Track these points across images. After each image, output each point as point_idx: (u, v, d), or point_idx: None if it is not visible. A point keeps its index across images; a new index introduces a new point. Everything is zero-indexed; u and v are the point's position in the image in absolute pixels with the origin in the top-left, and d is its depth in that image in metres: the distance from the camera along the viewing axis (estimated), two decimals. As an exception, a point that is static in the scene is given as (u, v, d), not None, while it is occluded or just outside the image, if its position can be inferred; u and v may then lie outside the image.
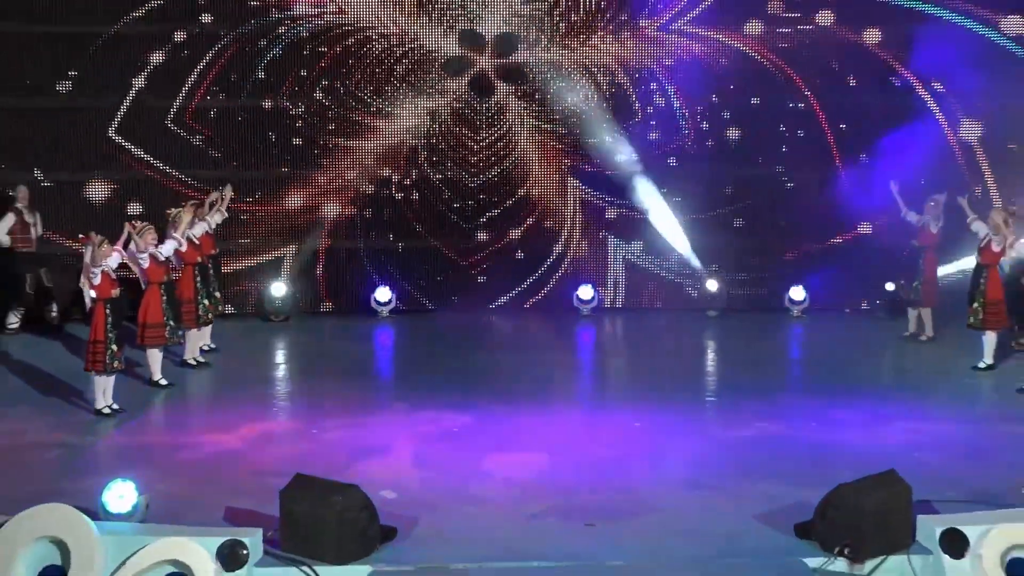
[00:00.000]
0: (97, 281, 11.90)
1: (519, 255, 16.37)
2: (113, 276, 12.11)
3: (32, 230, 14.88)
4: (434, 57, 16.13)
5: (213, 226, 14.39)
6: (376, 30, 16.03)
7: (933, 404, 12.55)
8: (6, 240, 14.75)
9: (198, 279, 13.73)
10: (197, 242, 13.80)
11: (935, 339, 14.75)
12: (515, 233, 16.39)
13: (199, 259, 13.78)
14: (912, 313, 14.74)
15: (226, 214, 14.74)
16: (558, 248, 16.55)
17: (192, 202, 14.14)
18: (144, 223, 13.08)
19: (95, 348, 11.92)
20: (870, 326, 15.60)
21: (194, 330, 13.83)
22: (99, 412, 12.12)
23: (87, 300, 12.06)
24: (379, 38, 16.06)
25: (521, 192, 16.37)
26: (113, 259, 12.08)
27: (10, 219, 14.81)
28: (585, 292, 16.40)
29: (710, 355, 14.86)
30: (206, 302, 13.83)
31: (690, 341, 15.17)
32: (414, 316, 16.05)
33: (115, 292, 12.09)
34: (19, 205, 14.89)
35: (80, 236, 12.53)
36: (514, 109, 16.31)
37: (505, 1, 16.10)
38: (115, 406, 12.18)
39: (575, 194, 16.49)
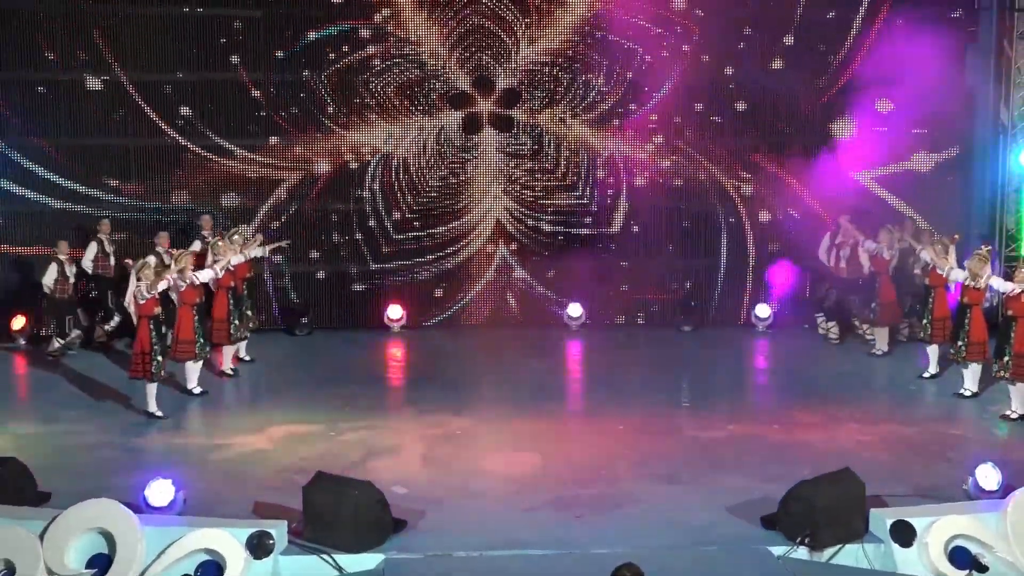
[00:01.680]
0: (142, 301, 11.98)
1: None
2: (156, 297, 12.14)
3: (111, 258, 14.85)
4: (440, 87, 15.92)
5: (251, 256, 14.27)
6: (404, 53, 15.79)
7: (883, 408, 12.52)
8: (89, 266, 14.81)
9: (231, 301, 13.60)
10: (232, 268, 13.70)
11: (889, 354, 14.63)
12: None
13: (232, 283, 13.64)
14: (880, 332, 14.60)
15: (267, 254, 14.60)
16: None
17: (238, 236, 13.92)
18: (181, 251, 13.06)
19: (143, 359, 11.91)
20: (826, 340, 15.50)
21: (227, 345, 13.74)
22: (151, 415, 12.10)
23: (133, 318, 12.16)
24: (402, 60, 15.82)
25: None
26: (161, 285, 12.13)
27: (92, 248, 14.84)
28: (574, 309, 16.19)
29: (685, 366, 14.71)
30: (237, 322, 13.70)
31: (665, 353, 15.06)
32: (424, 330, 15.88)
33: (157, 310, 12.11)
34: (101, 236, 14.89)
35: (126, 261, 12.51)
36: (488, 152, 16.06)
37: (526, 61, 15.90)
38: (159, 412, 12.16)
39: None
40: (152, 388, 12.09)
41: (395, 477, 10.18)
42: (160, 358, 12.01)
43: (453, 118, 15.94)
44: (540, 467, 10.70)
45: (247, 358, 14.29)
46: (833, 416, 12.14)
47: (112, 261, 14.80)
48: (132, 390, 12.56)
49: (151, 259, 12.71)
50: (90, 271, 14.88)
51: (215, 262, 13.36)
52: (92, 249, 14.85)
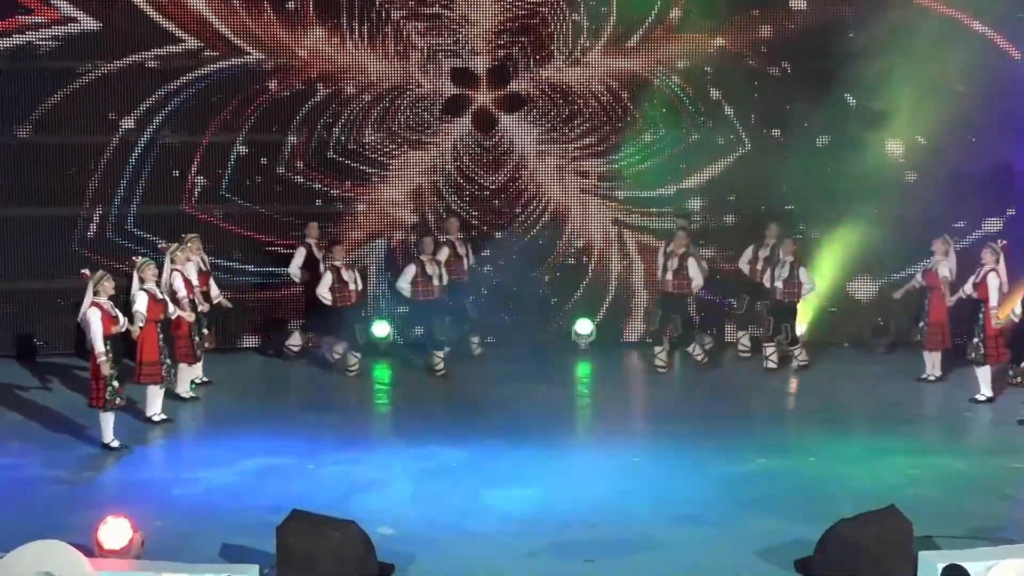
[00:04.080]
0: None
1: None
2: (113, 314, 12.11)
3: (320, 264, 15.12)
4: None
5: (208, 265, 14.37)
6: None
7: (933, 438, 12.55)
8: (296, 274, 15.24)
9: (201, 308, 13.75)
10: (193, 279, 13.77)
11: (943, 378, 14.53)
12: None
13: (192, 296, 13.68)
14: (927, 355, 14.61)
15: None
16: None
17: (192, 242, 14.09)
18: (144, 259, 13.03)
19: (97, 385, 11.94)
20: (868, 360, 15.55)
21: (190, 364, 13.79)
22: (106, 446, 12.12)
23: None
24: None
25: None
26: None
27: (299, 254, 15.30)
28: (583, 327, 16.21)
29: (707, 388, 14.73)
30: (197, 338, 13.73)
31: (685, 374, 15.10)
32: (409, 349, 15.90)
33: (114, 330, 12.08)
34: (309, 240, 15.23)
35: (83, 272, 12.42)
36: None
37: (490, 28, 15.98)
38: (116, 443, 12.18)
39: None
40: (108, 417, 12.11)
41: (381, 516, 10.18)
42: (116, 383, 12.00)
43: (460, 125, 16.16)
44: (544, 504, 10.70)
45: (204, 379, 14.32)
46: (876, 447, 12.16)
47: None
48: (88, 418, 12.58)
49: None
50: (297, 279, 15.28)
51: (173, 272, 13.42)
52: (299, 255, 15.21)
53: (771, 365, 14.94)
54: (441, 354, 14.89)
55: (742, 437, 12.57)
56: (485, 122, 16.17)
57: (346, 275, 14.67)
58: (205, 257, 14.46)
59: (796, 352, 15.01)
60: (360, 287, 14.91)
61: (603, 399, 14.67)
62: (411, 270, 14.87)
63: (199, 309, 13.77)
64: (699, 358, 15.27)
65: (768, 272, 14.88)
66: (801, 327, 15.45)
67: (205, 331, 14.10)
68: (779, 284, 14.72)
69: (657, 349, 15.10)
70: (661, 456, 11.98)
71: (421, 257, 14.90)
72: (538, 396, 14.24)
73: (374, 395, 14.92)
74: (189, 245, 13.98)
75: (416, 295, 14.87)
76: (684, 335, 15.14)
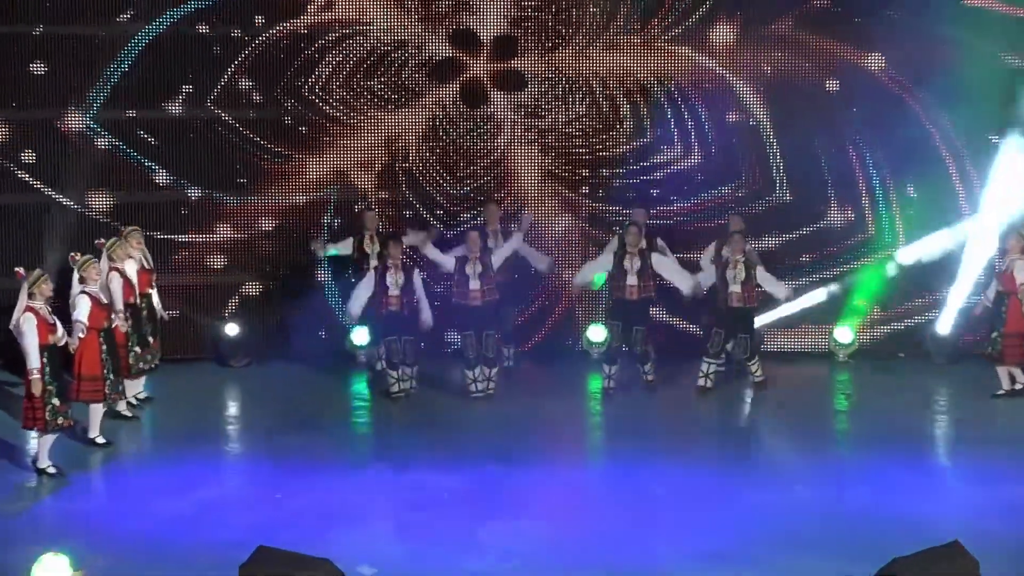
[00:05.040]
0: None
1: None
2: (51, 321, 12.06)
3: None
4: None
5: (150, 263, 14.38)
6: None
7: (1004, 464, 12.49)
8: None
9: (129, 322, 13.63)
10: (133, 280, 13.75)
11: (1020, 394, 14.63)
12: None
13: (132, 299, 13.68)
14: (1000, 369, 14.70)
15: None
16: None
17: (135, 235, 14.17)
18: (86, 256, 13.02)
19: (33, 404, 11.90)
20: (929, 373, 15.59)
21: (129, 379, 13.80)
22: (42, 472, 12.12)
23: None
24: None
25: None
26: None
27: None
28: (596, 333, 16.25)
29: (743, 405, 14.78)
30: (137, 348, 13.76)
31: (719, 388, 15.07)
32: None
33: (51, 339, 12.04)
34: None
35: (16, 270, 12.26)
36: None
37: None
38: (53, 469, 12.17)
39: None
40: (48, 440, 12.12)
41: (360, 553, 10.15)
42: (56, 400, 12.01)
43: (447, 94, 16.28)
44: (551, 540, 10.66)
45: (143, 395, 14.32)
46: (937, 474, 12.21)
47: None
48: (20, 438, 12.63)
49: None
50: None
51: (111, 272, 13.43)
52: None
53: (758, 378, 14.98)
54: (473, 375, 14.68)
55: (778, 461, 12.61)
56: (475, 95, 16.29)
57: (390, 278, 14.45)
58: (148, 253, 14.41)
59: (753, 367, 14.96)
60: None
61: (619, 416, 14.59)
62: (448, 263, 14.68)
63: (142, 314, 13.82)
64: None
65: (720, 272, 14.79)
66: (846, 334, 15.51)
67: (151, 340, 14.06)
68: (735, 288, 14.61)
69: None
70: (686, 484, 11.95)
71: (468, 255, 14.57)
72: (543, 413, 14.27)
73: (352, 412, 14.89)
74: (129, 239, 13.91)
75: (468, 299, 14.56)
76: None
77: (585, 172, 16.51)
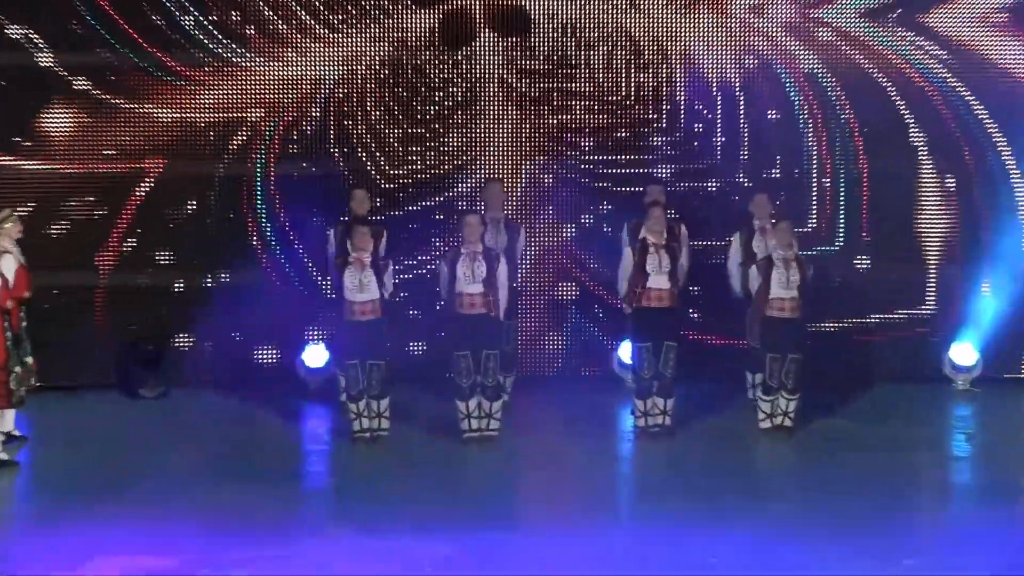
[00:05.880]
0: None
1: None
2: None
3: None
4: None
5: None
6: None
7: None
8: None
9: (8, 337, 13.35)
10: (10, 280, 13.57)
11: None
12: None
13: (7, 306, 13.41)
14: None
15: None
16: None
17: (10, 223, 14.01)
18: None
19: None
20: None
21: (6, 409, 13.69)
22: None
23: None
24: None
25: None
26: None
27: None
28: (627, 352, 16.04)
29: (819, 447, 14.43)
30: (18, 369, 13.44)
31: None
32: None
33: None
34: None
35: None
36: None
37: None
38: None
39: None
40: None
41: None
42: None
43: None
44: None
45: (17, 433, 13.97)
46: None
47: None
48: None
49: None
50: None
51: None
52: None
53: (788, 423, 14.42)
54: (467, 409, 14.11)
55: (879, 524, 12.02)
56: (459, 33, 16.13)
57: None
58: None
59: (792, 404, 14.43)
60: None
61: (655, 462, 14.27)
62: (442, 271, 14.22)
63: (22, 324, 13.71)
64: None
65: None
66: (968, 354, 15.70)
67: (29, 360, 13.68)
68: (790, 294, 14.03)
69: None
70: (750, 552, 11.41)
71: (462, 249, 13.99)
72: (557, 458, 14.20)
73: (306, 458, 14.60)
74: (7, 228, 13.74)
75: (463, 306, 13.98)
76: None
77: (591, 146, 16.48)
